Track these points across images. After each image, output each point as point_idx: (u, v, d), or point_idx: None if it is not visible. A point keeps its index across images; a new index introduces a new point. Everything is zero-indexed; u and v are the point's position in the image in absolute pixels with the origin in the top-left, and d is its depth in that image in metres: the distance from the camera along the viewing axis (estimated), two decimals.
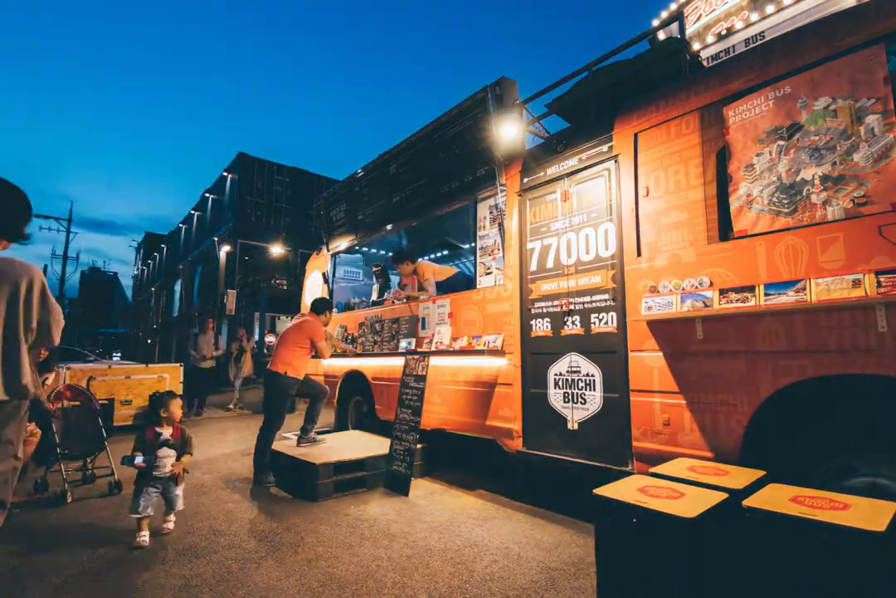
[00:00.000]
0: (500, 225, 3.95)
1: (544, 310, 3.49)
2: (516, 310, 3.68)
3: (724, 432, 2.43)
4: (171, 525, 3.02)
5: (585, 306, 3.23)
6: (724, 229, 2.58)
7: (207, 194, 25.80)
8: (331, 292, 6.29)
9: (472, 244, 4.90)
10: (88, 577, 2.43)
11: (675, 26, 4.70)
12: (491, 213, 4.18)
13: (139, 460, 2.91)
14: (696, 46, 6.20)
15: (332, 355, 5.21)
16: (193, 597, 2.23)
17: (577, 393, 3.22)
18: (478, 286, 4.21)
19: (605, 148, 3.24)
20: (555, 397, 3.35)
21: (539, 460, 3.41)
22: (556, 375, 3.36)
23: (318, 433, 4.57)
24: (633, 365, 2.86)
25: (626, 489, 1.94)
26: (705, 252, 2.60)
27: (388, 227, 5.26)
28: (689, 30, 6.63)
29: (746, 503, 1.69)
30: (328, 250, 6.40)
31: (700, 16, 6.75)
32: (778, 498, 1.71)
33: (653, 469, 2.25)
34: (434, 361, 4.20)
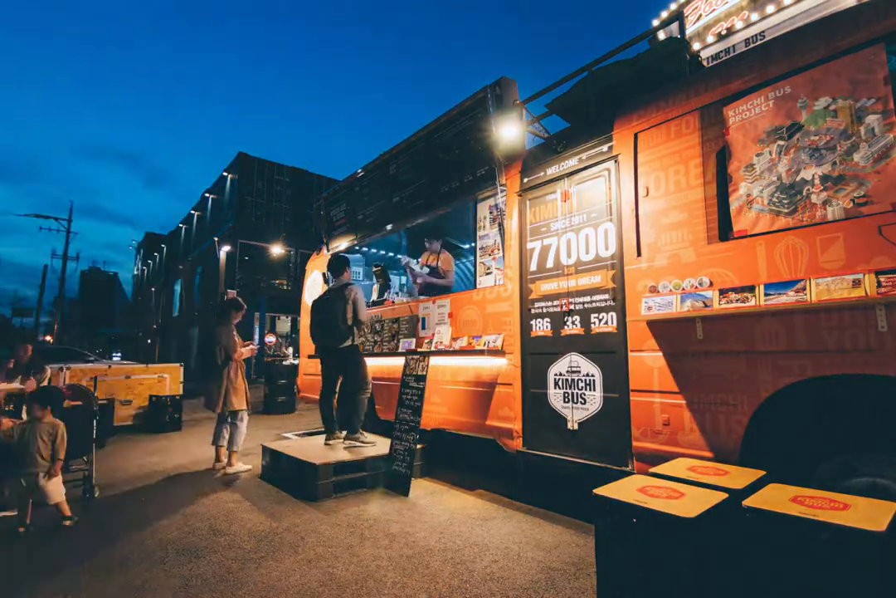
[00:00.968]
0: (500, 225, 3.95)
1: (544, 310, 3.49)
2: (516, 310, 3.68)
3: (724, 432, 2.43)
4: None
5: (585, 306, 3.23)
6: (724, 229, 2.57)
7: (207, 194, 25.81)
8: None
9: (472, 244, 4.90)
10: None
11: (675, 26, 4.71)
12: (491, 213, 4.18)
13: None
14: (696, 46, 6.21)
15: None
16: (193, 597, 2.23)
17: (577, 393, 3.22)
18: (478, 286, 4.21)
19: (604, 148, 3.24)
20: (555, 397, 3.35)
21: (539, 460, 3.41)
22: (556, 375, 3.36)
23: (309, 434, 4.54)
24: (633, 365, 2.86)
25: (626, 489, 1.94)
26: (705, 252, 2.60)
27: (388, 227, 5.25)
28: (689, 30, 6.63)
29: (746, 503, 1.69)
30: (328, 250, 6.39)
31: (700, 16, 6.75)
32: (778, 498, 1.71)
33: (653, 469, 2.25)
34: (434, 361, 4.20)
